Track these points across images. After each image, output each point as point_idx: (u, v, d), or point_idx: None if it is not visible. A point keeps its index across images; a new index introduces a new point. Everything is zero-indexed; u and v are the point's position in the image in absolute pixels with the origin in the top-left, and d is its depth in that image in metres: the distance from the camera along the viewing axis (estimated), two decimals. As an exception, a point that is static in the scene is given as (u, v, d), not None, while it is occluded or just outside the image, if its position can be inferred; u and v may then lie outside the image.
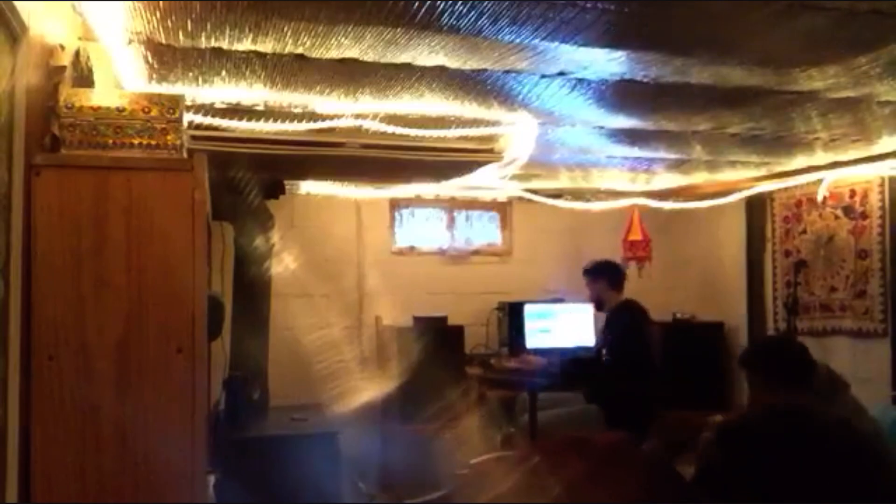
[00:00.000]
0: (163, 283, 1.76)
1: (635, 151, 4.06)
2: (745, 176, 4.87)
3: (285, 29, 2.17)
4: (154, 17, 2.08)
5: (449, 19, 2.10)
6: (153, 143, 1.85)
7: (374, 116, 3.12)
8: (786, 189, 5.05)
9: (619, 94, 2.91)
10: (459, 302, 5.25)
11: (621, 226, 5.48)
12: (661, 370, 4.12)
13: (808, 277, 4.92)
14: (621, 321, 4.15)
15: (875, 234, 4.52)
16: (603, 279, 4.29)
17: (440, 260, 5.52)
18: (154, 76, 2.59)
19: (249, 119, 3.06)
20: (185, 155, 1.93)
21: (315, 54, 2.39)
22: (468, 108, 3.08)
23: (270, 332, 4.19)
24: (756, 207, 5.36)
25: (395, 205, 5.46)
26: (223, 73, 2.58)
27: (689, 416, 4.68)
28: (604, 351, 4.27)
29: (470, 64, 2.51)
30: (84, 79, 2.03)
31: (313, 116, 3.08)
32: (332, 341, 4.57)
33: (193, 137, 2.90)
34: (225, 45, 2.31)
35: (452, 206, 5.60)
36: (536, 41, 2.28)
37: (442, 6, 2.01)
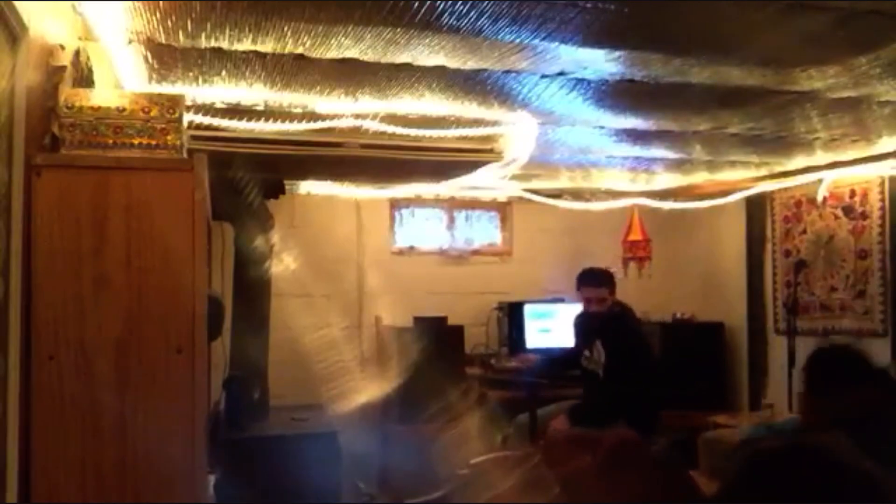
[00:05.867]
0: (163, 283, 1.76)
1: (635, 151, 4.06)
2: (745, 176, 4.87)
3: (285, 29, 2.18)
4: (154, 17, 2.08)
5: (449, 19, 2.10)
6: (153, 143, 1.85)
7: (374, 116, 3.12)
8: (786, 189, 5.04)
9: (619, 94, 2.91)
10: (459, 302, 5.25)
11: (621, 226, 5.48)
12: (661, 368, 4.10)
13: (808, 277, 4.92)
14: (622, 326, 4.05)
15: (875, 234, 4.52)
16: (605, 287, 4.14)
17: (440, 260, 5.52)
18: (154, 76, 2.59)
19: (249, 119, 3.07)
20: (185, 155, 1.93)
21: (315, 54, 2.39)
22: (468, 108, 3.08)
23: (270, 332, 4.19)
24: (756, 207, 5.36)
25: (395, 205, 5.45)
26: (223, 73, 2.58)
27: (689, 416, 4.71)
28: (590, 353, 4.11)
29: (470, 64, 2.51)
30: (84, 79, 2.03)
31: (313, 116, 3.08)
32: (332, 341, 4.57)
33: (193, 137, 2.90)
34: (225, 45, 2.31)
35: (452, 206, 5.60)
36: (536, 41, 2.28)
37: (442, 6, 2.01)
